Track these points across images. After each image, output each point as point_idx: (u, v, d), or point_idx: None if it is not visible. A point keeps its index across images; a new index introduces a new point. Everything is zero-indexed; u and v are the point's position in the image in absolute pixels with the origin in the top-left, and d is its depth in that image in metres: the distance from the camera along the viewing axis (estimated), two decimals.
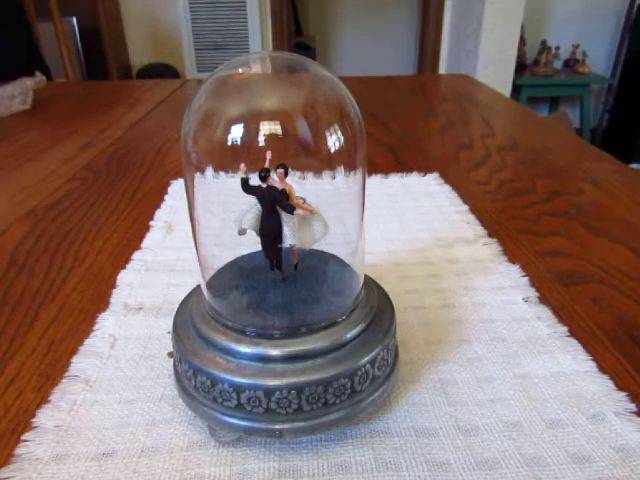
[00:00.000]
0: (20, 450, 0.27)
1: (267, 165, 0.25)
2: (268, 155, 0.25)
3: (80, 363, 0.33)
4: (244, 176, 0.25)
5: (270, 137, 0.25)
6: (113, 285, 0.42)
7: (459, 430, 0.28)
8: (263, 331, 0.26)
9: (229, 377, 0.25)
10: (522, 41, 2.78)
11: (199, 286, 0.30)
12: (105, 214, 0.55)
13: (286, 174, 0.26)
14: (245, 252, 0.31)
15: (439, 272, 0.43)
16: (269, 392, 0.24)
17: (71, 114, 1.00)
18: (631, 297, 0.39)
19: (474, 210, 0.55)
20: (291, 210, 0.26)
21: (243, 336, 0.26)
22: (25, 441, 0.27)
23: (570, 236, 0.49)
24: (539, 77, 2.94)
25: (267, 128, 0.26)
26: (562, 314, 0.37)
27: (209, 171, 0.27)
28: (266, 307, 0.27)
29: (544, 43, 3.04)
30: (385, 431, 0.28)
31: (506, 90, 2.48)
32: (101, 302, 0.40)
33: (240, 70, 0.29)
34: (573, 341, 0.34)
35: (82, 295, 0.41)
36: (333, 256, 0.31)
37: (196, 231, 0.29)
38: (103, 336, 0.35)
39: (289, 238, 0.27)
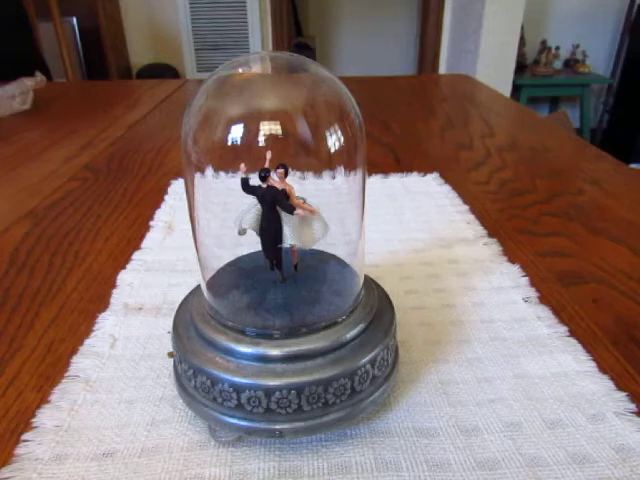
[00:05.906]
0: (20, 450, 0.26)
1: (267, 165, 0.25)
2: (268, 155, 0.25)
3: (80, 363, 0.33)
4: (244, 176, 0.25)
5: (270, 137, 0.25)
6: (113, 285, 0.42)
7: (459, 430, 0.28)
8: (263, 331, 0.26)
9: (229, 377, 0.25)
10: (522, 41, 2.78)
11: (199, 286, 0.30)
12: (105, 214, 0.55)
13: (286, 174, 0.26)
14: (245, 252, 0.31)
15: (439, 272, 0.43)
16: (269, 392, 0.24)
17: (71, 114, 0.99)
18: (631, 297, 0.39)
19: (474, 210, 0.55)
20: (291, 210, 0.26)
21: (243, 336, 0.26)
22: (25, 441, 0.27)
23: (570, 236, 0.49)
24: (539, 77, 2.94)
25: (267, 128, 0.26)
26: (562, 314, 0.37)
27: (209, 171, 0.27)
28: (266, 307, 0.27)
29: (544, 43, 3.04)
30: (385, 431, 0.28)
31: (506, 90, 2.48)
32: (101, 302, 0.40)
33: (240, 70, 0.29)
34: (573, 341, 0.34)
35: (82, 295, 0.41)
36: (333, 256, 0.31)
37: (196, 231, 0.29)
38: (103, 336, 0.35)
39: (289, 238, 0.27)
